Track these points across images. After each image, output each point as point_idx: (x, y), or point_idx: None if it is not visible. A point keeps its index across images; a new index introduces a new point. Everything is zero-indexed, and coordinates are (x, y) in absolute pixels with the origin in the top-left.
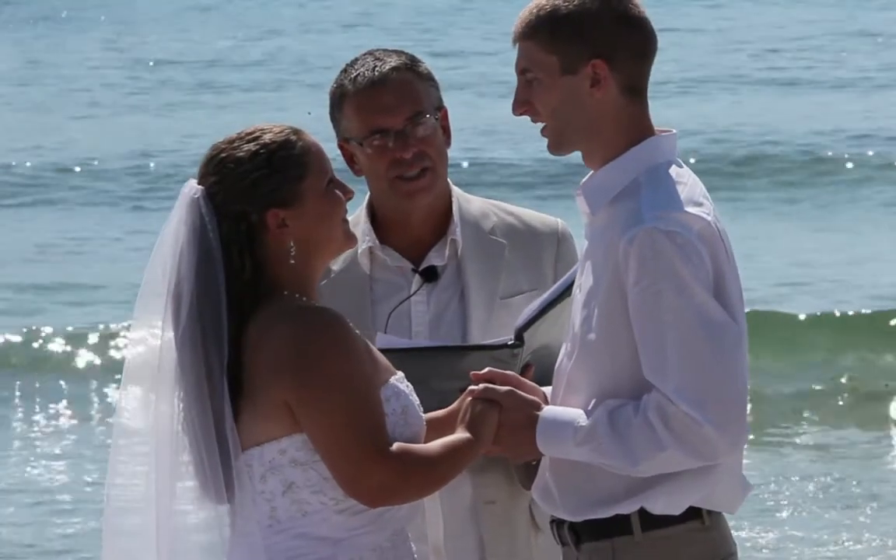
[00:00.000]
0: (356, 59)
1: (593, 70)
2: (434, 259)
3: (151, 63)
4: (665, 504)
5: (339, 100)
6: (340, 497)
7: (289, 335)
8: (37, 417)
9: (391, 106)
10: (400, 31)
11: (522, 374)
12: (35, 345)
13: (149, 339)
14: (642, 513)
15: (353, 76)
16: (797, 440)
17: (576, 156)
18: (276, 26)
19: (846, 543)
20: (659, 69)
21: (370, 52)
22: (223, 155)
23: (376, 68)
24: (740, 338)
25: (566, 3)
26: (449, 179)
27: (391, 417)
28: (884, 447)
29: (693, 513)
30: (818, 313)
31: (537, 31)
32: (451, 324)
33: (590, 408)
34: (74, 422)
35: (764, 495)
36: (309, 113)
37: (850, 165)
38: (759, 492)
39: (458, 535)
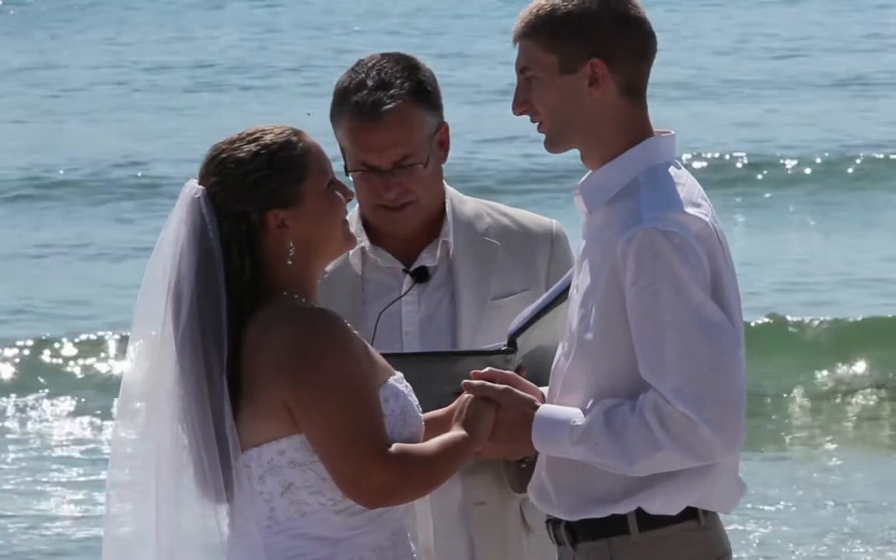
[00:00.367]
0: (363, 66)
1: (592, 69)
2: (425, 260)
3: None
4: (662, 504)
5: (338, 109)
6: (339, 497)
7: (288, 335)
8: None
9: (382, 146)
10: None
11: None
12: None
13: (148, 349)
14: (639, 513)
15: (353, 100)
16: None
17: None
18: (275, 26)
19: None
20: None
21: (378, 65)
22: (224, 155)
23: (376, 99)
24: (738, 339)
25: (566, 3)
26: (444, 181)
27: (390, 418)
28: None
29: (689, 513)
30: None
31: (537, 31)
32: (441, 324)
33: (587, 407)
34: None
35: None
36: (309, 114)
37: None
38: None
39: (448, 536)
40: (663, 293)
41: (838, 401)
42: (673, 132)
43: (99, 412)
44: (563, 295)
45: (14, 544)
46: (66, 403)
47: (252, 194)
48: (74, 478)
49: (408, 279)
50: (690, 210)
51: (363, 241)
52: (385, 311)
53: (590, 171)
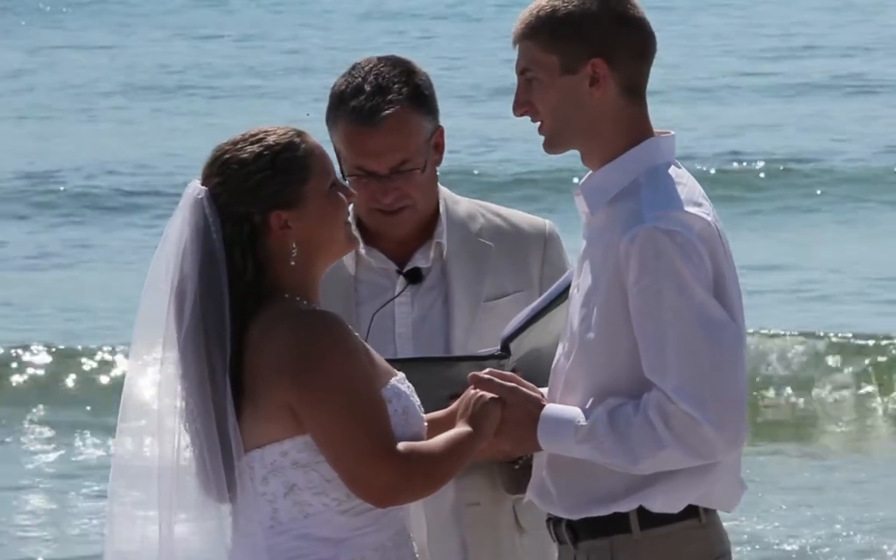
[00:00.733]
0: (360, 70)
1: (593, 69)
2: (419, 261)
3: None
4: (664, 502)
5: (335, 113)
6: (343, 498)
7: (289, 337)
8: None
9: (380, 152)
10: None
11: None
12: None
13: (148, 367)
14: (641, 511)
15: (351, 105)
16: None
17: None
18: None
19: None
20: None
21: (375, 69)
22: (227, 156)
23: (374, 105)
24: (740, 337)
25: (565, 4)
26: (438, 183)
27: (393, 418)
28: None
29: (690, 511)
30: None
31: (537, 32)
32: (434, 326)
33: (588, 406)
34: None
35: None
36: (308, 115)
37: None
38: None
39: (442, 537)
40: (666, 292)
41: (833, 399)
42: (673, 132)
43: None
44: (557, 300)
45: None
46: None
47: (255, 195)
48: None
49: (401, 280)
50: (692, 209)
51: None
52: (378, 313)
53: (590, 172)
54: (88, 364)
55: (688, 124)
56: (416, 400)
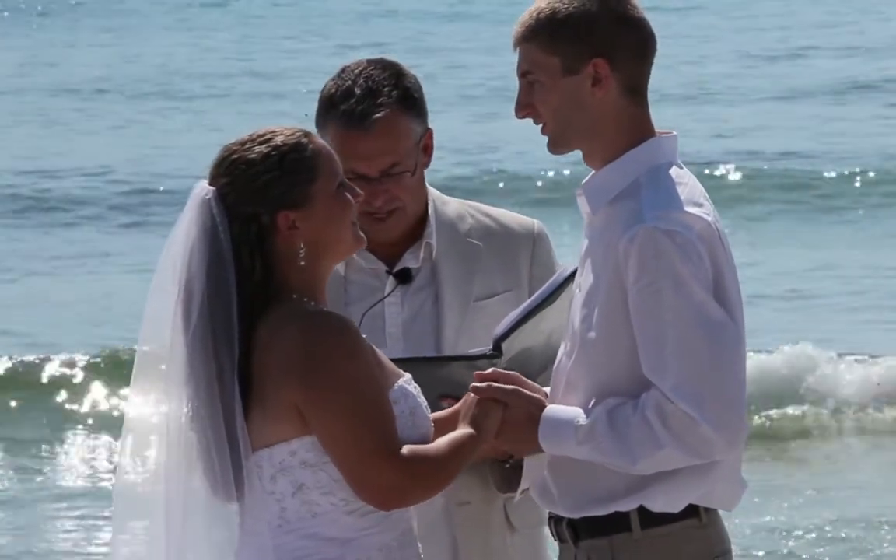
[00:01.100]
0: (349, 73)
1: (594, 69)
2: (408, 261)
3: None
4: (665, 502)
5: (325, 117)
6: (350, 498)
7: (297, 338)
8: None
9: (370, 155)
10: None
11: None
12: None
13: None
14: (641, 510)
15: (342, 108)
16: None
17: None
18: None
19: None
20: None
21: (365, 73)
22: (235, 156)
23: (364, 108)
24: (739, 337)
25: (565, 6)
26: (427, 183)
27: (400, 419)
28: None
29: (691, 510)
30: None
31: (537, 34)
32: (424, 326)
33: (589, 406)
34: None
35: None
36: (306, 115)
37: None
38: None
39: (432, 536)
40: (665, 292)
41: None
42: (675, 132)
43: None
44: (548, 299)
45: None
46: None
47: (263, 195)
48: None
49: (391, 280)
50: (692, 209)
51: None
52: (368, 313)
53: (592, 172)
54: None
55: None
56: (423, 401)
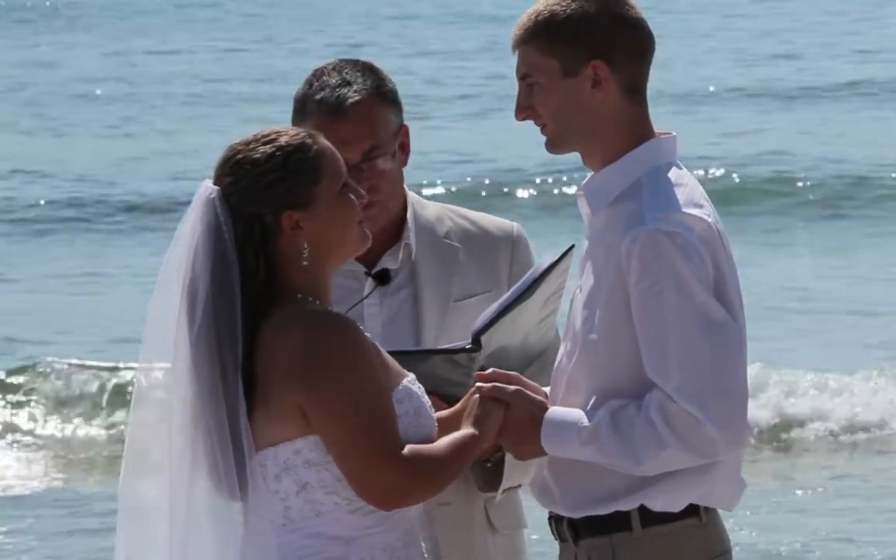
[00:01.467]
0: (323, 71)
1: (594, 71)
2: (387, 262)
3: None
4: (665, 501)
5: (302, 109)
6: (353, 497)
7: (300, 338)
8: None
9: (349, 139)
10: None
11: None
12: None
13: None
14: (642, 509)
15: (317, 98)
16: None
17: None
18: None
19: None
20: None
21: (338, 67)
22: (239, 156)
23: (340, 94)
24: (740, 337)
25: (563, 8)
26: (406, 186)
27: (404, 419)
28: None
29: (691, 509)
30: None
31: (536, 36)
32: (404, 326)
33: (590, 407)
34: None
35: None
36: None
37: None
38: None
39: None
40: (666, 293)
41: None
42: (674, 133)
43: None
44: (525, 293)
45: None
46: None
47: (266, 195)
48: None
49: (369, 282)
50: (693, 210)
51: None
52: (348, 314)
53: (592, 173)
54: None
55: None
56: (427, 400)
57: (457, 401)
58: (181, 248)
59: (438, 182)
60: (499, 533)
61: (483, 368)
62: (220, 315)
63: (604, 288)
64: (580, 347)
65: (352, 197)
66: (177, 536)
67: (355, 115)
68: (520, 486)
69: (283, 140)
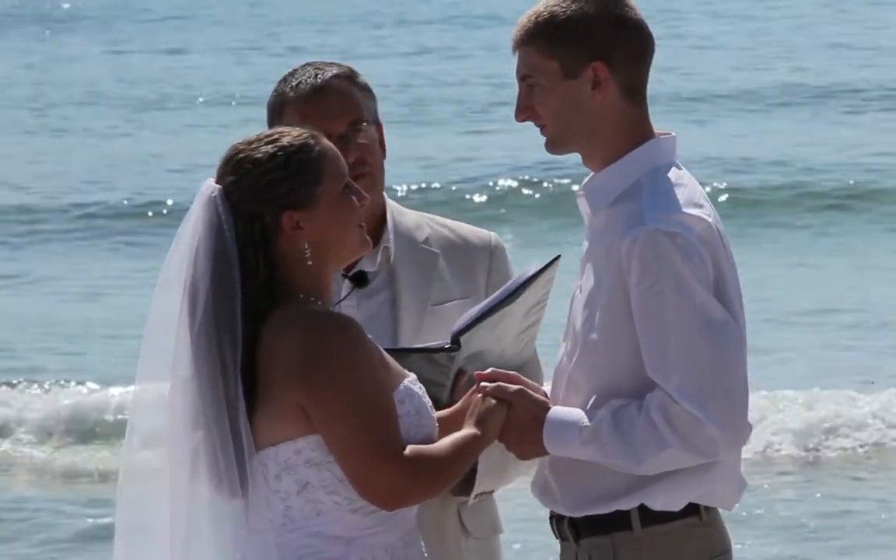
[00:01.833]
0: (295, 70)
1: (594, 72)
2: (365, 265)
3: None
4: (665, 500)
5: (280, 107)
6: (354, 497)
7: (301, 338)
8: None
9: (333, 112)
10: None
11: (455, 380)
12: None
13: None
14: (642, 509)
15: (293, 84)
16: None
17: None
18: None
19: None
20: None
21: (309, 63)
22: (241, 155)
23: (318, 76)
24: (741, 337)
25: (564, 9)
26: (384, 194)
27: (405, 419)
28: None
29: (691, 509)
30: None
31: (536, 37)
32: (382, 328)
33: (590, 407)
34: None
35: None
36: None
37: None
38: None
39: None
40: (667, 293)
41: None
42: (674, 134)
43: None
44: (509, 298)
45: None
46: None
47: (267, 195)
48: None
49: (346, 283)
50: (693, 211)
51: None
52: None
53: (592, 173)
54: None
55: None
56: (428, 401)
57: (435, 401)
58: (183, 246)
59: (437, 184)
60: (473, 537)
61: (461, 370)
62: (220, 312)
63: (604, 288)
64: (580, 347)
65: (353, 199)
66: (177, 536)
67: (335, 90)
68: (492, 491)
69: (285, 140)
